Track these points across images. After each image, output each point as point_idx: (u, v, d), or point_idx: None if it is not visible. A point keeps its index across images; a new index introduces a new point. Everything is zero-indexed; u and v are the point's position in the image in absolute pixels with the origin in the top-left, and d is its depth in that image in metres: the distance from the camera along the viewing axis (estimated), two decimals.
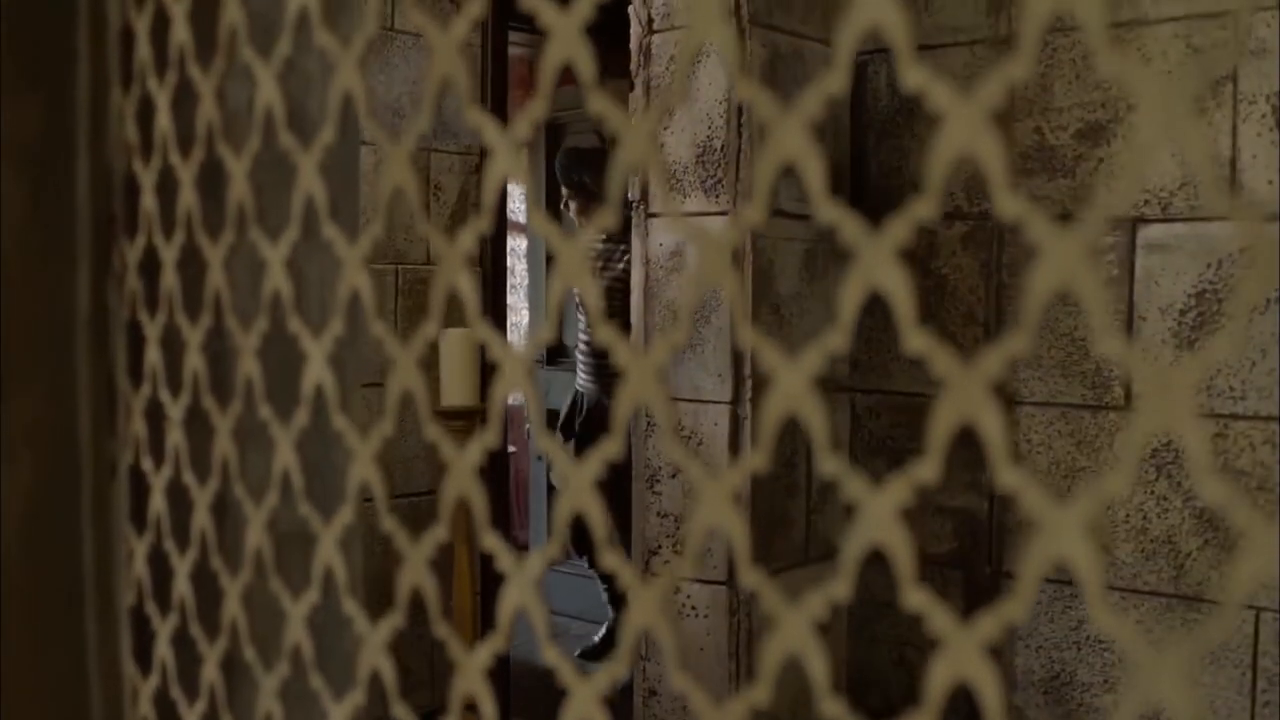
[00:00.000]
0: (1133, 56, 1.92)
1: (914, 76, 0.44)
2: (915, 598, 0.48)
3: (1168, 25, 2.55)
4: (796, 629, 0.51)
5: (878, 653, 2.98)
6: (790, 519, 2.85)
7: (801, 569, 2.94)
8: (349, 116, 0.72)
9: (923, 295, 2.94)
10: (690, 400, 2.83)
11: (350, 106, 0.70)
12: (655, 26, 2.81)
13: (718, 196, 2.76)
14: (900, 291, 0.47)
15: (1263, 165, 2.52)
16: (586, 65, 0.56)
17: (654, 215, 2.81)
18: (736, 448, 2.82)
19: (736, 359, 2.72)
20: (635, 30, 2.81)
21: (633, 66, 2.84)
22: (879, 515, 0.49)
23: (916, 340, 0.47)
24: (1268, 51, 2.49)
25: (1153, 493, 2.66)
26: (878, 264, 0.48)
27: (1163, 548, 2.72)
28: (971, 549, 2.92)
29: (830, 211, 0.49)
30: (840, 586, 0.50)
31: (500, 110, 4.32)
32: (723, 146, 2.73)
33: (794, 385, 0.51)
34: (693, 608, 2.89)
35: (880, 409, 2.98)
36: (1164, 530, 2.67)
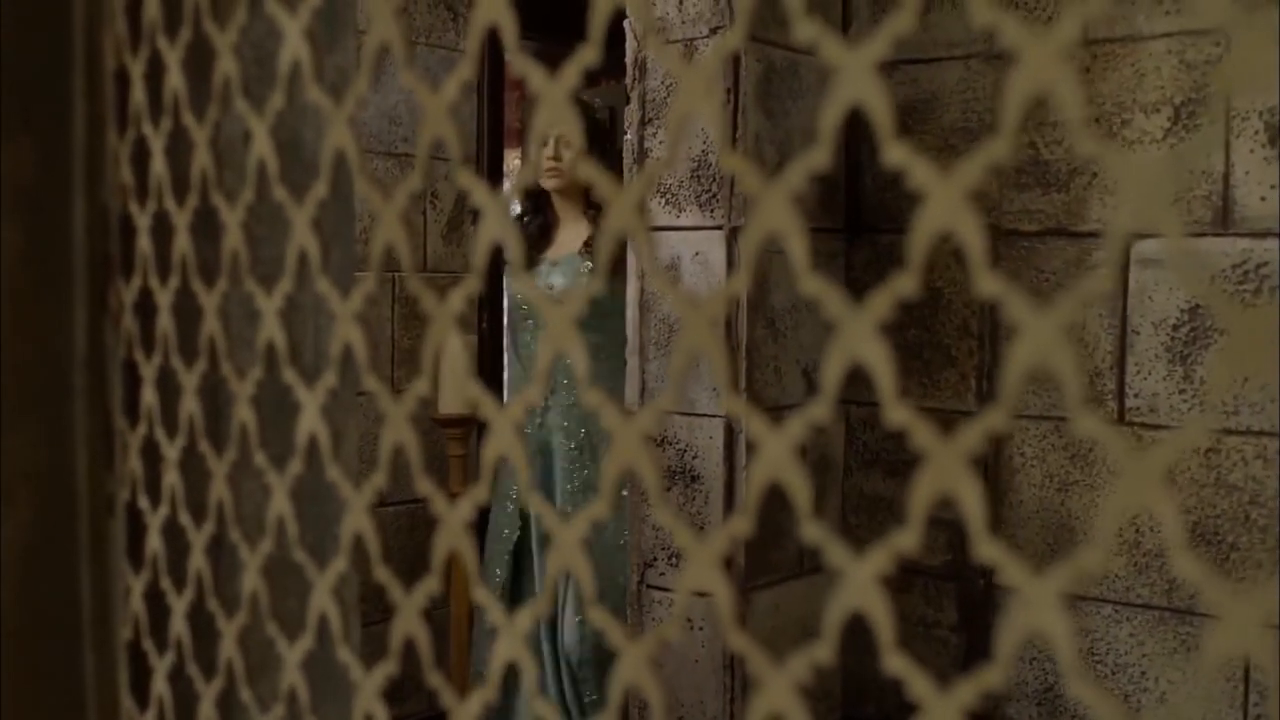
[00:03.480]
0: (1127, 72, 1.93)
1: (895, 154, 0.45)
2: (895, 663, 0.48)
3: (1161, 41, 2.56)
4: (782, 692, 0.52)
5: (872, 663, 2.98)
6: (784, 531, 2.86)
7: (796, 580, 2.95)
8: (343, 166, 0.73)
9: (919, 307, 2.95)
10: (685, 414, 2.84)
11: (345, 160, 0.71)
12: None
13: (712, 211, 2.77)
14: (881, 364, 0.48)
15: (1255, 181, 2.53)
16: (576, 135, 0.57)
17: (650, 229, 2.82)
18: (731, 461, 2.83)
19: (732, 373, 2.73)
20: (630, 45, 2.82)
21: (628, 80, 2.85)
22: (860, 582, 0.50)
23: (897, 414, 0.48)
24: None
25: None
26: (860, 337, 0.49)
27: (1155, 562, 2.73)
28: (964, 561, 2.93)
29: (813, 285, 0.50)
30: (822, 651, 0.51)
31: (496, 124, 4.33)
32: (717, 162, 2.74)
33: (777, 450, 0.52)
34: (688, 620, 2.90)
35: (874, 421, 2.99)
36: (1156, 545, 2.68)
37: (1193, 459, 2.64)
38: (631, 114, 2.84)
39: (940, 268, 2.85)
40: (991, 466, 2.83)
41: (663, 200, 2.82)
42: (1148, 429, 2.63)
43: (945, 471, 0.48)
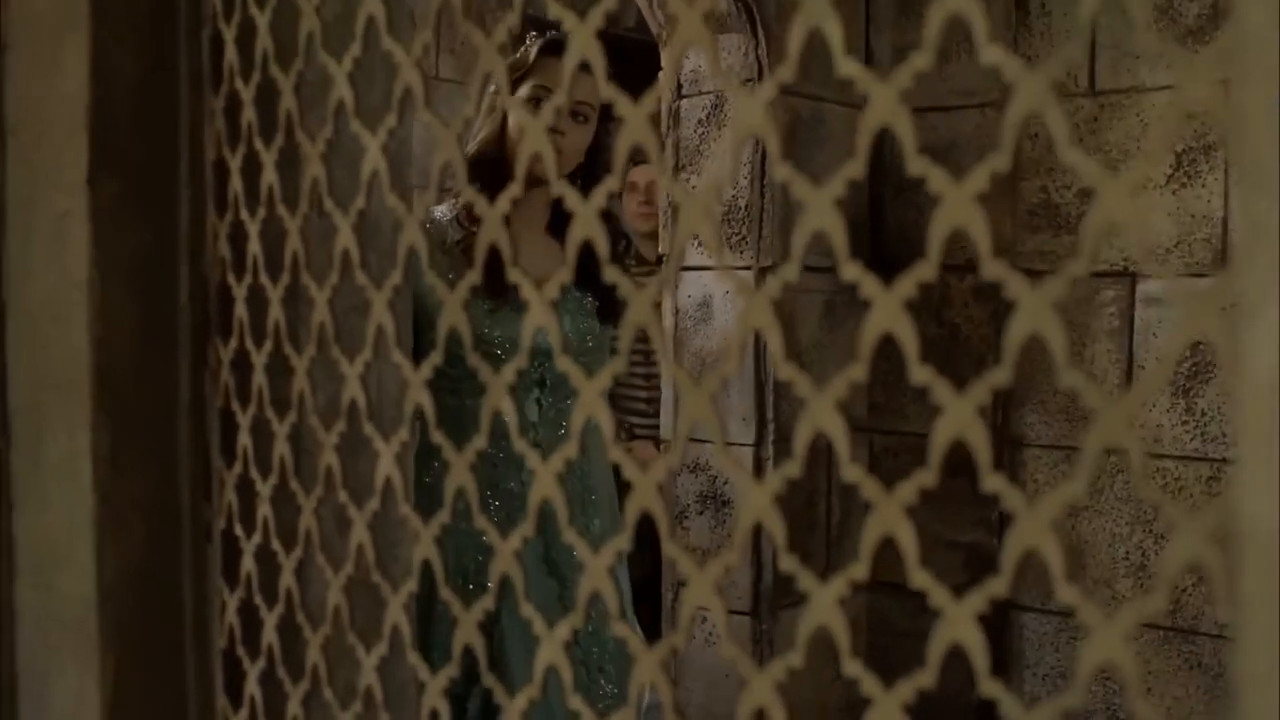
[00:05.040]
0: (1131, 121, 2.08)
1: (915, 166, 0.58)
2: (919, 578, 0.60)
3: (1163, 93, 2.70)
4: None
5: (895, 680, 3.12)
6: (810, 554, 3.01)
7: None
8: (414, 257, 0.89)
9: (936, 343, 3.10)
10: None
11: (414, 254, 0.87)
12: (684, 91, 3.00)
13: (741, 252, 2.93)
14: (908, 337, 0.62)
15: None
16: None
17: (684, 268, 2.98)
18: None
19: (760, 403, 2.89)
20: (666, 95, 2.98)
21: (662, 128, 3.01)
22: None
23: (920, 374, 0.59)
24: None
25: (1150, 531, 2.81)
26: (891, 314, 0.62)
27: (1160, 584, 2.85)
28: (981, 581, 3.06)
29: (851, 270, 0.61)
30: (859, 568, 0.63)
31: None
32: (746, 205, 2.90)
33: (821, 409, 0.67)
34: (717, 637, 3.05)
35: (897, 449, 3.13)
36: (1159, 567, 2.80)
37: (1195, 485, 2.77)
38: (665, 161, 3.00)
39: (958, 305, 3.00)
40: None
41: (696, 241, 2.98)
42: (1153, 459, 2.77)
43: (958, 419, 0.62)
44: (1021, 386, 2.97)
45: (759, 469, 2.96)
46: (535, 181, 1.92)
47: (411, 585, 0.88)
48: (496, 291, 1.97)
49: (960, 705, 2.55)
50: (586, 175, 2.23)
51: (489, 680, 0.81)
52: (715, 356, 2.90)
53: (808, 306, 2.96)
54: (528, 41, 2.12)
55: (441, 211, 2.06)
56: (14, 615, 1.17)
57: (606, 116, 2.15)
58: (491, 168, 2.00)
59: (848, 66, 0.61)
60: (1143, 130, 2.71)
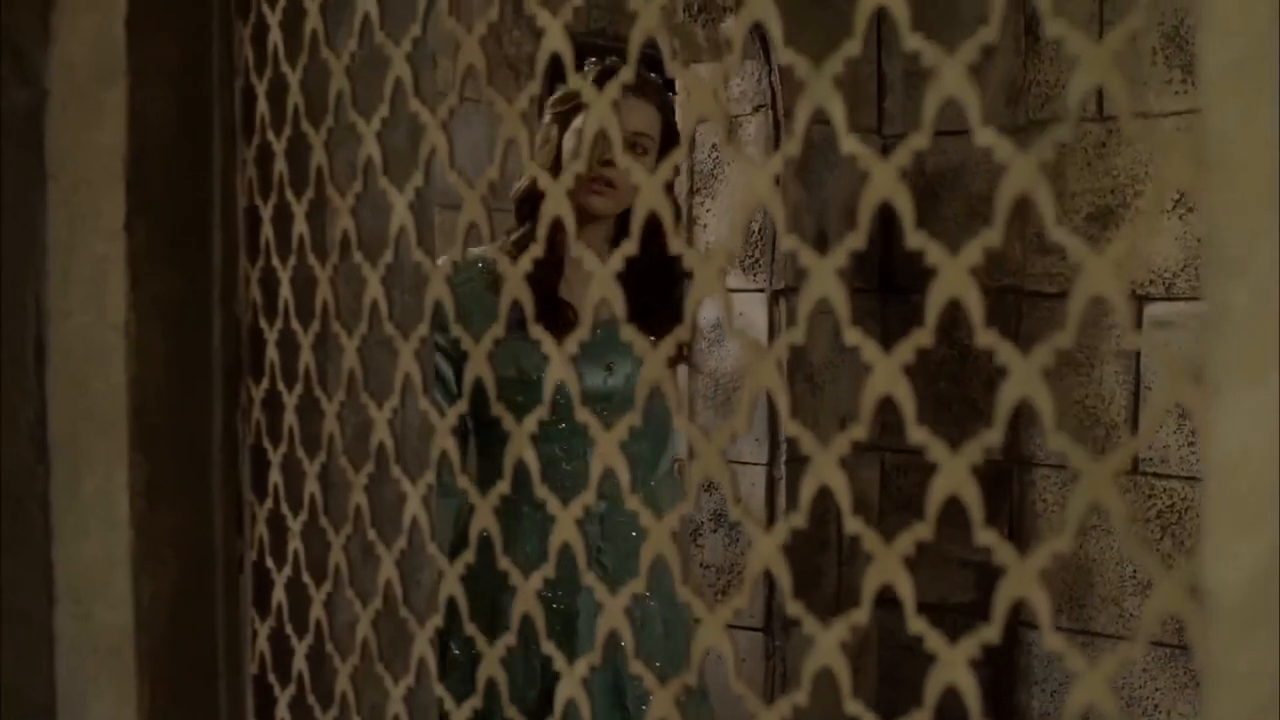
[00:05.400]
0: (1140, 146, 2.13)
1: (915, 240, 0.63)
2: (915, 624, 0.65)
3: (1170, 119, 2.74)
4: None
5: (905, 694, 3.18)
6: (822, 572, 3.06)
7: (832, 618, 3.13)
8: (440, 310, 0.94)
9: (946, 364, 3.14)
10: (730, 462, 3.04)
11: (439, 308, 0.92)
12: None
13: (755, 275, 2.98)
14: (906, 399, 0.68)
15: None
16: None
17: None
18: (772, 506, 3.03)
19: (773, 424, 2.94)
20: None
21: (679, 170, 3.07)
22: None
23: (918, 434, 0.66)
24: None
25: (1158, 550, 2.85)
26: (890, 378, 0.68)
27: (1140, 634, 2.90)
28: (991, 599, 3.10)
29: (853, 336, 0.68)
30: (861, 613, 0.69)
31: None
32: (760, 229, 2.96)
33: (826, 461, 0.71)
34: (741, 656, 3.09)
35: (908, 467, 3.17)
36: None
37: (1201, 506, 2.79)
38: (680, 184, 3.06)
39: (966, 327, 3.03)
40: (1016, 512, 3.02)
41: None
42: (1159, 479, 2.81)
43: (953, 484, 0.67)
44: (1031, 407, 3.01)
45: (771, 488, 3.00)
46: (591, 216, 1.93)
47: (437, 620, 0.93)
48: (555, 330, 1.63)
49: None
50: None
51: None
52: (730, 378, 2.95)
53: (820, 327, 2.99)
54: (585, 69, 2.02)
55: (491, 250, 1.80)
56: (53, 642, 1.22)
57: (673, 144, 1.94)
58: (534, 203, 1.87)
59: (849, 145, 0.66)
60: (1150, 156, 2.75)
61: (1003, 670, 3.12)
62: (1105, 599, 2.95)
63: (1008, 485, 3.01)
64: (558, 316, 1.87)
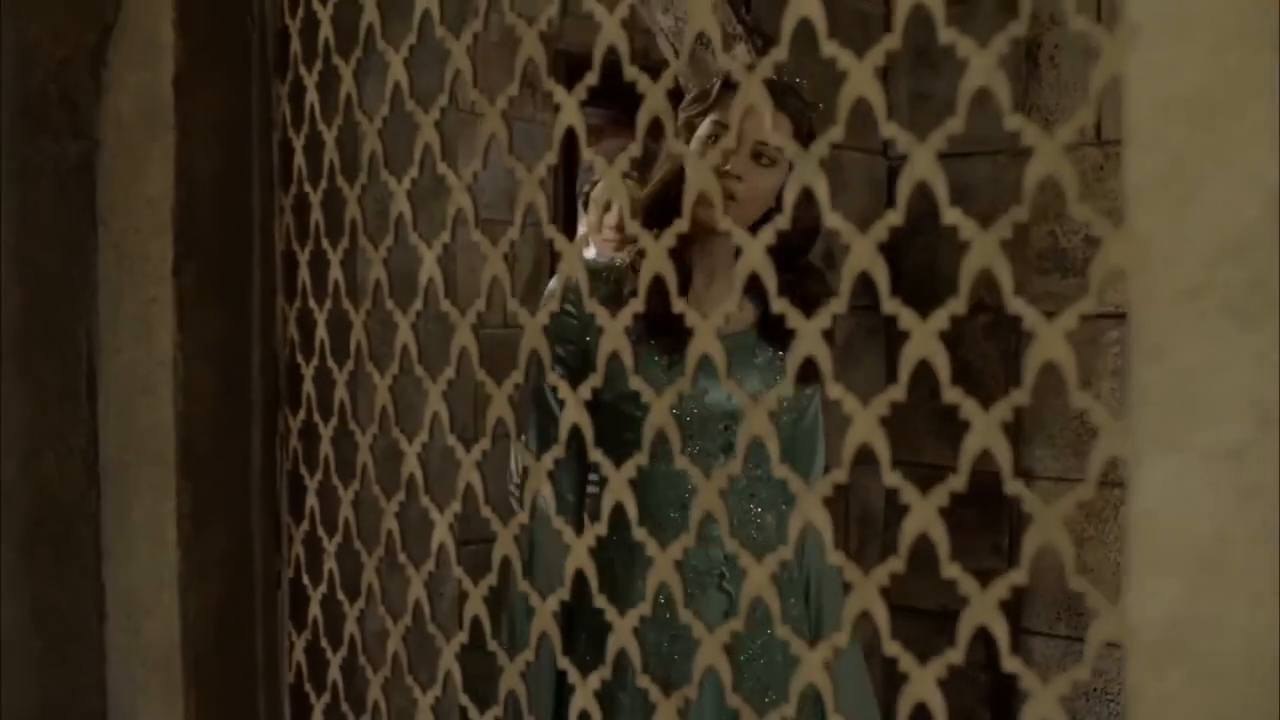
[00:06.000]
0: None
1: (950, 216, 0.71)
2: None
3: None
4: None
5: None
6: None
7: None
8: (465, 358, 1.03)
9: (952, 377, 3.20)
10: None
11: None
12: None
13: None
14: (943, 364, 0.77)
15: None
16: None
17: None
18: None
19: None
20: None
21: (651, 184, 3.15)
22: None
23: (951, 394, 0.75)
24: None
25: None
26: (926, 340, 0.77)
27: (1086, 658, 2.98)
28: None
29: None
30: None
31: (570, 195, 4.61)
32: None
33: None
34: None
35: (910, 478, 3.24)
36: None
37: None
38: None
39: (971, 342, 3.12)
40: (1014, 525, 3.09)
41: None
42: None
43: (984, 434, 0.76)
44: (1031, 422, 3.09)
45: None
46: (710, 230, 1.66)
47: (462, 637, 1.02)
48: (669, 347, 1.67)
49: None
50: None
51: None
52: None
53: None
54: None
55: (619, 258, 1.84)
56: (104, 654, 1.32)
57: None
58: (670, 209, 1.47)
59: (889, 129, 0.74)
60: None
61: (1000, 675, 3.19)
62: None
63: (1008, 497, 3.08)
64: (678, 331, 1.52)
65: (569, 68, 4.00)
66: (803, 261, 1.72)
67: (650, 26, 2.98)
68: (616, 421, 1.51)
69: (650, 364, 1.66)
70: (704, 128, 1.76)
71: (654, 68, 0.79)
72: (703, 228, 1.52)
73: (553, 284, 2.32)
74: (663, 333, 1.60)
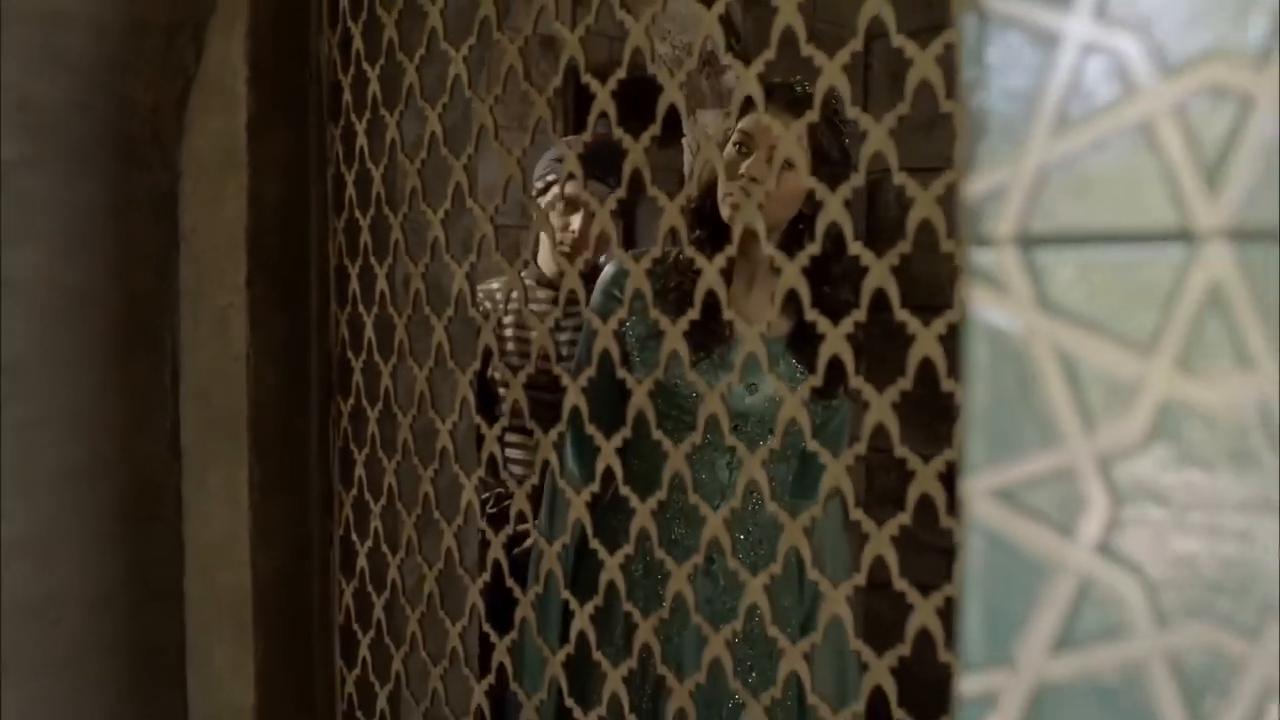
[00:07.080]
0: None
1: (898, 179, 0.98)
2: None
3: None
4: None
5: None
6: None
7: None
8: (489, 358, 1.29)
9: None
10: None
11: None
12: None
13: None
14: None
15: None
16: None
17: None
18: None
19: None
20: (686, 158, 3.37)
21: (687, 187, 3.40)
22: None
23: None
24: None
25: None
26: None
27: None
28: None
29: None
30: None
31: None
32: None
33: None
34: None
35: (890, 465, 3.47)
36: None
37: None
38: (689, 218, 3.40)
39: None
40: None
41: None
42: None
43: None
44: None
45: None
46: (752, 235, 1.47)
47: (485, 576, 1.28)
48: (700, 343, 1.72)
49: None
50: (812, 224, 1.80)
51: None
52: None
53: None
54: None
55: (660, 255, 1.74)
56: (183, 601, 1.58)
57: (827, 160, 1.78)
58: (703, 215, 1.83)
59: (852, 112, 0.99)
60: None
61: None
62: None
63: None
64: (714, 330, 1.75)
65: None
66: (837, 269, 1.76)
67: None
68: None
69: (675, 359, 1.54)
70: (733, 137, 1.81)
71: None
72: (745, 235, 1.57)
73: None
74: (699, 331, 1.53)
